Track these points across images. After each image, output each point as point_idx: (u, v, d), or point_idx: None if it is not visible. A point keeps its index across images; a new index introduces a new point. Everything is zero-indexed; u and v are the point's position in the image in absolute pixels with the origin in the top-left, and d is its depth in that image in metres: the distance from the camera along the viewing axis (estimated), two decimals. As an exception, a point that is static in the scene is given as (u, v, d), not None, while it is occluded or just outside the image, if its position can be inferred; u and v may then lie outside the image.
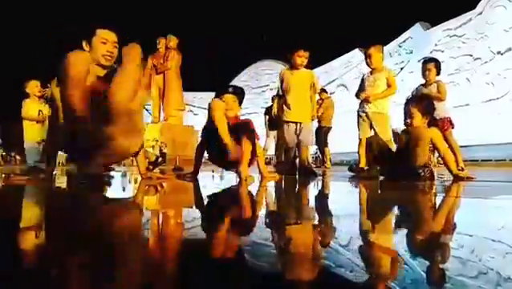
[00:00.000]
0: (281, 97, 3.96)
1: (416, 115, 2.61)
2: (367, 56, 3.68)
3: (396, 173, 2.61)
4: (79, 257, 0.56)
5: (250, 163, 2.69)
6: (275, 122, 6.99)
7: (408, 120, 2.64)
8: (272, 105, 7.67)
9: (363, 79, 3.79)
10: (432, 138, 2.57)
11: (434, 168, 2.68)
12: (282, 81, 3.88)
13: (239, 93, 2.86)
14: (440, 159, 2.75)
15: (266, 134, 7.47)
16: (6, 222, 0.89)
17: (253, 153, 2.65)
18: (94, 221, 0.93)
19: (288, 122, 3.77)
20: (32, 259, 0.56)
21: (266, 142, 7.29)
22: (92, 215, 1.06)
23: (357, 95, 3.78)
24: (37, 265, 0.52)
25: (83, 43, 2.22)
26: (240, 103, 2.86)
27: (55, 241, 0.69)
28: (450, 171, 2.56)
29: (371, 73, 3.72)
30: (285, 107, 3.80)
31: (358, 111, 3.75)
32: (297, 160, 4.00)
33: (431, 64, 3.88)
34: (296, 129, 3.72)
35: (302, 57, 3.69)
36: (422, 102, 2.71)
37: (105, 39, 2.22)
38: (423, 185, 2.17)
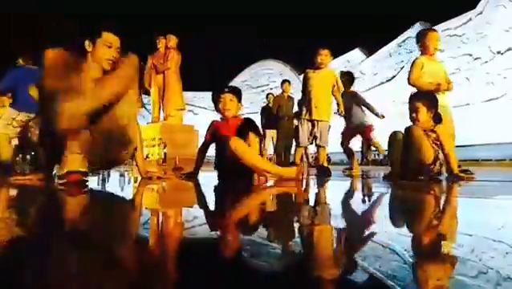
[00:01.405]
0: (303, 97, 4.01)
1: (421, 109, 2.62)
2: (426, 39, 3.29)
3: (404, 176, 2.61)
4: (80, 257, 0.56)
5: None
6: (272, 122, 7.00)
7: (414, 115, 2.65)
8: (268, 104, 7.67)
9: (416, 64, 3.29)
10: (439, 135, 2.57)
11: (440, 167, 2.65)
12: (304, 80, 3.94)
13: (236, 92, 2.83)
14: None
15: (263, 134, 7.47)
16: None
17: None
18: (103, 221, 0.93)
19: (305, 120, 3.83)
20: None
21: (264, 142, 7.28)
22: (103, 215, 1.06)
23: (415, 83, 3.27)
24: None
25: (86, 43, 2.18)
26: (239, 101, 2.83)
27: (54, 242, 0.68)
28: (451, 170, 2.56)
29: (425, 59, 3.28)
30: (304, 106, 3.87)
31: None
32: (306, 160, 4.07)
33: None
34: (313, 128, 3.78)
35: (321, 55, 3.74)
36: (427, 96, 2.71)
37: (110, 43, 2.20)
38: (422, 185, 2.17)
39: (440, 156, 2.62)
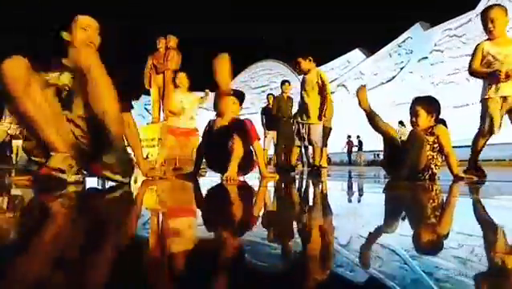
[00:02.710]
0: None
1: (421, 113, 2.60)
2: (489, 20, 2.82)
3: (398, 174, 2.60)
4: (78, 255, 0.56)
5: (248, 167, 2.67)
6: (273, 122, 7.02)
7: (414, 119, 2.64)
8: (268, 104, 7.68)
9: (476, 50, 2.88)
10: (439, 136, 2.55)
11: (437, 169, 2.64)
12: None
13: (238, 95, 2.84)
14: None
15: (263, 134, 7.48)
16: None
17: (250, 156, 2.63)
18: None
19: (296, 122, 4.22)
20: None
21: (265, 142, 7.29)
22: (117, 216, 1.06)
23: (474, 72, 2.88)
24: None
25: (64, 34, 2.05)
26: (241, 103, 2.85)
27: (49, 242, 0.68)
28: (451, 171, 2.56)
29: (489, 43, 2.86)
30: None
31: (485, 95, 2.87)
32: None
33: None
34: (300, 130, 4.12)
35: (298, 64, 4.08)
36: (427, 101, 2.69)
37: (87, 26, 2.05)
38: (423, 185, 2.17)
39: (446, 160, 2.60)
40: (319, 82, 4.04)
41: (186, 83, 4.71)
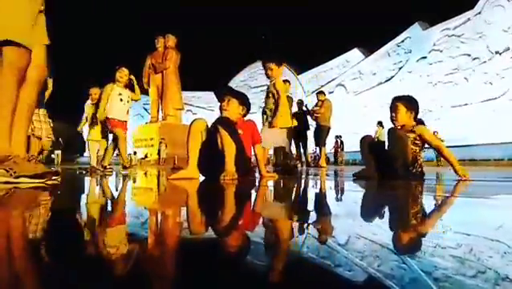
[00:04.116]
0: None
1: (401, 109, 2.69)
2: None
3: (385, 173, 2.64)
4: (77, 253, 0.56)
5: (246, 169, 2.67)
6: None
7: (393, 114, 2.72)
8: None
9: None
10: (422, 134, 2.61)
11: (425, 167, 2.67)
12: None
13: (236, 95, 2.82)
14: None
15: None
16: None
17: (248, 159, 2.66)
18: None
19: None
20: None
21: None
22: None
23: None
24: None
25: None
26: (241, 104, 2.81)
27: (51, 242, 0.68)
28: (455, 171, 2.57)
29: None
30: None
31: None
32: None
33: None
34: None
35: (269, 70, 4.31)
36: (407, 98, 2.78)
37: None
38: (417, 185, 2.17)
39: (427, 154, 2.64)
40: (273, 92, 4.26)
41: (125, 80, 4.60)
